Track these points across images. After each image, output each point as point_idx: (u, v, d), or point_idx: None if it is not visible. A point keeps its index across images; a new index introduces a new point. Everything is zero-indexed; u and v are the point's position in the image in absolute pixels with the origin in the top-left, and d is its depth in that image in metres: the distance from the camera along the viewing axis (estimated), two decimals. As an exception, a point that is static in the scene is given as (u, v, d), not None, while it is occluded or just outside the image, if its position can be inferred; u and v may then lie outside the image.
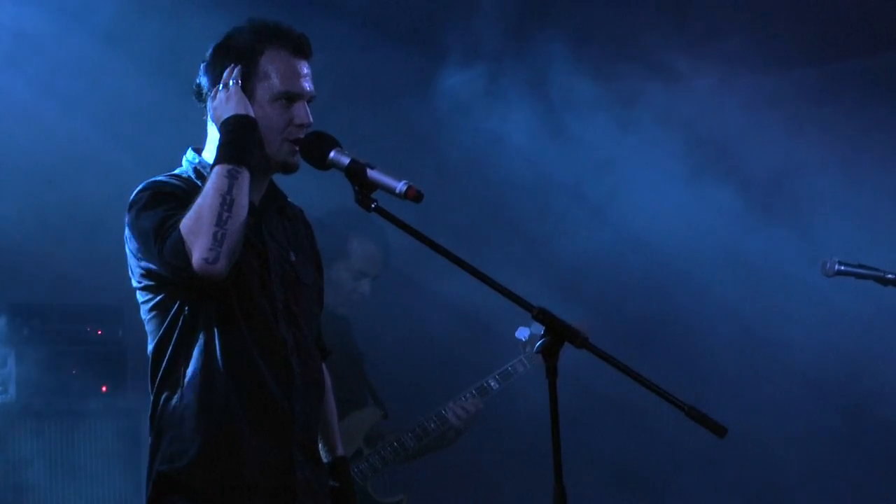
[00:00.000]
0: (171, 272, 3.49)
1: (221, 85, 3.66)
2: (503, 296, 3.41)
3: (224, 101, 3.64)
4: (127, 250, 3.66)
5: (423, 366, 6.79)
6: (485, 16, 6.33)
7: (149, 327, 3.68)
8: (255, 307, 3.63)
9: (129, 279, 3.70)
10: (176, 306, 3.61)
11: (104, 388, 6.01)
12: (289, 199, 3.88)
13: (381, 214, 3.54)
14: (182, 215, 3.48)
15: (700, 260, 6.61)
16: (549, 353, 3.29)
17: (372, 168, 3.55)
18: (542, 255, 6.79)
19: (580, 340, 3.31)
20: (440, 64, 6.45)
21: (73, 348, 6.00)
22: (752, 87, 6.71)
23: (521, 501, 5.13)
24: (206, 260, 3.42)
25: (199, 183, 3.60)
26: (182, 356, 3.61)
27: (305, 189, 4.05)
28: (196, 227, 3.44)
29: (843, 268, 4.55)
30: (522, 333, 5.70)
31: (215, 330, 3.59)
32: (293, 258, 3.79)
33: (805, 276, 5.89)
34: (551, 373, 3.29)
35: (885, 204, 6.42)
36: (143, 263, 3.59)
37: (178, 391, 3.61)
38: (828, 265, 4.59)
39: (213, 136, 3.70)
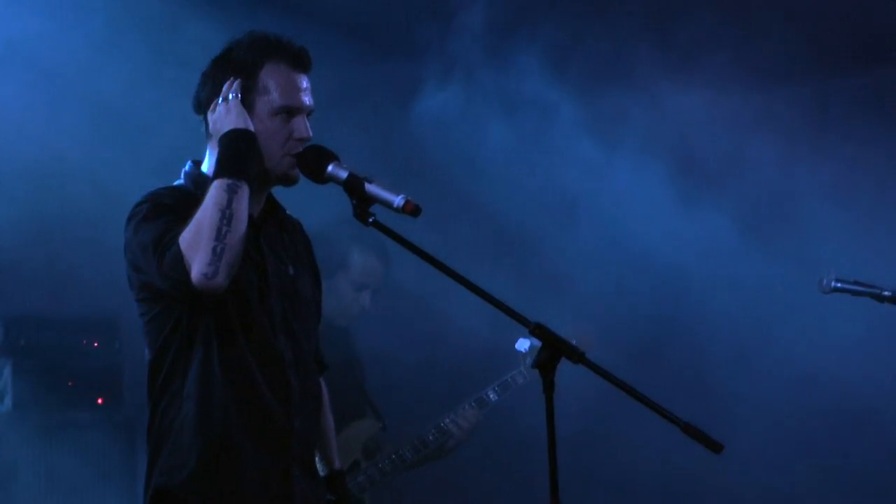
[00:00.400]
0: (170, 286, 3.51)
1: (221, 98, 3.68)
2: (500, 311, 3.43)
3: (224, 114, 3.66)
4: (126, 263, 3.67)
5: (422, 377, 6.81)
6: (462, 35, 6.34)
7: (147, 339, 3.70)
8: (254, 321, 3.66)
9: (126, 291, 3.72)
10: (174, 319, 3.63)
11: (100, 400, 6.02)
12: (287, 212, 3.90)
13: (379, 228, 3.56)
14: (181, 229, 3.49)
15: (695, 282, 6.64)
16: (546, 368, 3.32)
17: (370, 182, 3.58)
18: (536, 272, 6.82)
19: (577, 356, 3.34)
20: (420, 81, 6.47)
21: (69, 360, 6.01)
22: (741, 106, 6.73)
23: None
24: (205, 274, 3.44)
25: (197, 195, 3.61)
26: (180, 369, 3.64)
27: (306, 200, 4.07)
28: (195, 241, 3.46)
29: (839, 284, 4.58)
30: (522, 345, 5.72)
31: (214, 343, 3.61)
32: (291, 272, 3.81)
33: (800, 295, 5.92)
34: (548, 387, 3.32)
35: (879, 221, 6.44)
36: (142, 276, 3.61)
37: (177, 404, 3.63)
38: (824, 282, 4.61)
39: (212, 148, 3.72)
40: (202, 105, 3.76)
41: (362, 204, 3.58)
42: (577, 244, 6.77)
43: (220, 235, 3.46)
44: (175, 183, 3.80)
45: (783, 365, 6.66)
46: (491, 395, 6.11)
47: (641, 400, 3.34)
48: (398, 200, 3.52)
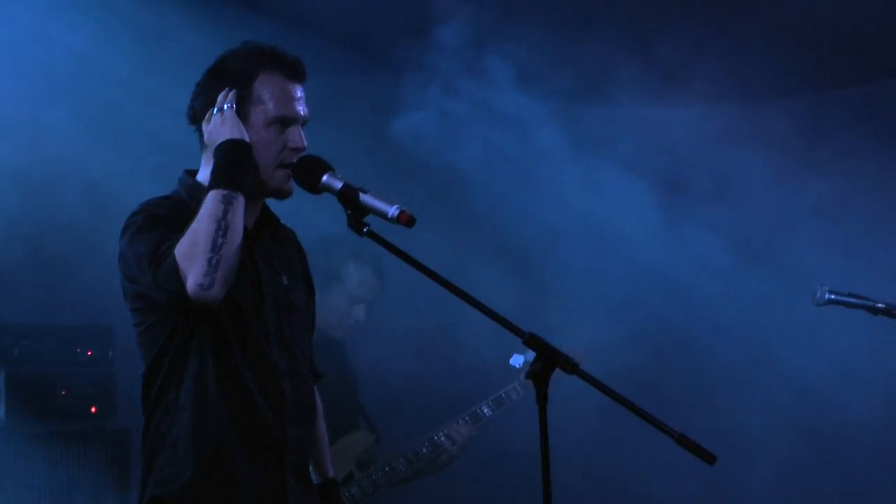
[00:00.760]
0: (166, 297, 3.53)
1: (216, 108, 3.70)
2: (494, 321, 3.45)
3: (219, 124, 3.68)
4: (120, 273, 3.68)
5: (417, 390, 6.82)
6: (444, 50, 6.37)
7: (142, 350, 3.72)
8: (249, 331, 3.68)
9: (121, 300, 3.73)
10: (169, 330, 3.65)
11: (93, 409, 6.02)
12: (281, 222, 3.92)
13: (373, 238, 3.58)
14: (176, 240, 3.51)
15: (690, 297, 6.66)
16: (540, 378, 3.33)
17: (365, 192, 3.60)
18: (528, 287, 6.85)
19: (571, 366, 3.35)
20: (402, 95, 6.50)
21: (62, 369, 6.00)
22: (731, 121, 6.76)
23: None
24: (200, 286, 3.45)
25: (192, 205, 3.62)
26: (175, 379, 3.65)
27: (302, 213, 4.09)
28: (191, 252, 3.47)
29: (833, 297, 4.59)
30: (517, 360, 5.74)
31: (209, 354, 3.63)
32: (285, 282, 3.83)
33: (795, 310, 5.96)
34: (541, 398, 3.33)
35: (872, 234, 6.46)
36: (137, 287, 3.62)
37: (172, 414, 3.65)
38: (818, 294, 4.62)
39: (207, 159, 3.73)
40: (196, 115, 3.77)
41: (357, 214, 3.59)
42: (567, 261, 6.80)
43: (215, 247, 3.48)
44: (170, 193, 3.80)
45: (781, 379, 6.69)
46: (485, 410, 6.13)
47: (636, 411, 3.36)
48: (392, 211, 3.54)
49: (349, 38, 6.73)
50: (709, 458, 3.33)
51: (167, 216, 3.63)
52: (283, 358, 3.74)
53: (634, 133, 6.69)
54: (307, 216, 4.23)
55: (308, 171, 3.68)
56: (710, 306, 6.69)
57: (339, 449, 5.95)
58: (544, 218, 6.80)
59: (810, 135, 6.63)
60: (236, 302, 3.63)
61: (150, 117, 6.04)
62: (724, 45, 6.44)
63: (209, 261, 3.46)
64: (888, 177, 6.52)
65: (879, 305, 4.53)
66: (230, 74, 3.73)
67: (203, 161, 3.78)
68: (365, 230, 3.59)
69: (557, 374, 3.35)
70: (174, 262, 3.47)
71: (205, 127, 3.73)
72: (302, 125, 3.77)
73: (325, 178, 3.65)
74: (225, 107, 3.69)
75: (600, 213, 6.67)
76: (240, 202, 3.56)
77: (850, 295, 4.59)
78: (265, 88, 3.72)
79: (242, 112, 3.70)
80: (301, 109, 3.76)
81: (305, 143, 3.74)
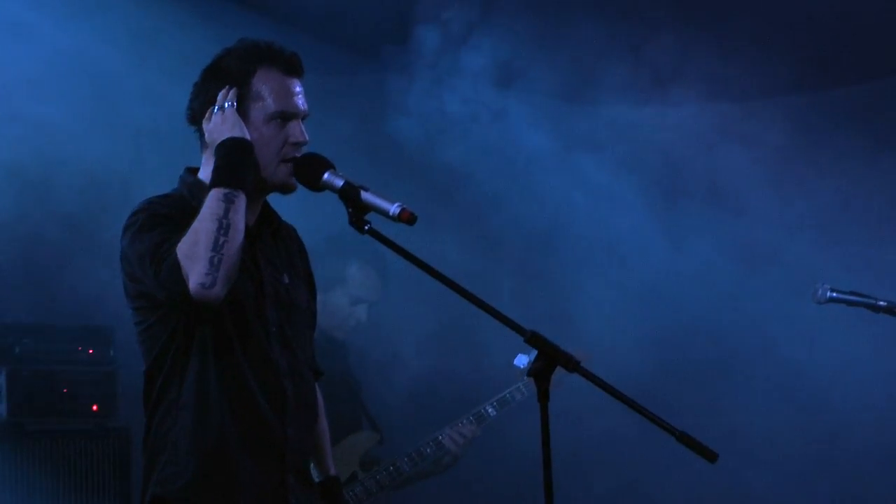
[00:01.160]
0: (168, 296, 3.55)
1: (217, 107, 3.71)
2: (496, 319, 3.47)
3: (220, 123, 3.69)
4: (122, 272, 3.70)
5: (421, 390, 6.84)
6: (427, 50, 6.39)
7: (143, 349, 3.73)
8: (250, 331, 3.69)
9: (122, 299, 3.74)
10: (171, 329, 3.66)
11: (95, 408, 6.04)
12: (282, 219, 3.94)
13: (375, 237, 3.60)
14: (178, 239, 3.52)
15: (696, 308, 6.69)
16: (541, 376, 3.36)
17: (366, 190, 3.62)
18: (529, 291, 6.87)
19: (572, 365, 3.37)
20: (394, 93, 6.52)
21: (64, 367, 6.02)
22: (726, 120, 6.77)
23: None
24: (202, 285, 3.47)
25: (193, 204, 3.64)
26: (176, 378, 3.67)
27: (304, 214, 4.11)
28: (193, 251, 3.49)
29: (834, 294, 4.61)
30: (521, 361, 5.72)
31: (210, 353, 3.65)
32: (286, 281, 3.84)
33: (794, 311, 5.98)
34: (543, 397, 3.35)
35: (871, 234, 6.48)
36: (139, 286, 3.64)
37: (173, 414, 3.67)
38: (819, 292, 4.64)
39: (208, 157, 3.75)
40: (196, 115, 3.79)
41: (358, 212, 3.61)
42: (564, 263, 6.83)
43: (217, 246, 3.49)
44: (171, 191, 3.82)
45: (780, 379, 6.71)
46: (489, 411, 6.15)
47: (638, 410, 3.37)
48: (394, 209, 3.56)
49: (339, 37, 6.74)
50: (710, 456, 3.34)
51: (168, 215, 3.64)
52: (285, 357, 3.76)
53: (628, 134, 6.70)
54: (308, 215, 4.24)
55: (309, 169, 3.70)
56: (709, 308, 6.70)
57: (343, 449, 5.97)
58: (538, 220, 6.82)
59: (807, 135, 6.63)
60: (238, 301, 3.65)
61: (150, 115, 6.07)
62: (719, 45, 6.44)
63: (211, 260, 3.48)
64: (885, 176, 6.52)
65: (881, 303, 4.54)
66: (228, 73, 3.75)
67: (204, 160, 3.80)
68: (366, 228, 3.61)
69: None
70: (176, 262, 3.49)
71: (205, 126, 3.74)
72: (302, 119, 3.78)
73: (326, 175, 3.67)
74: (226, 105, 3.70)
75: (596, 215, 6.68)
76: (241, 201, 3.58)
77: (851, 293, 4.60)
78: (264, 85, 3.74)
79: (242, 109, 3.72)
80: (301, 104, 3.78)
81: (307, 137, 3.76)
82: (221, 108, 3.71)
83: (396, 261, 3.59)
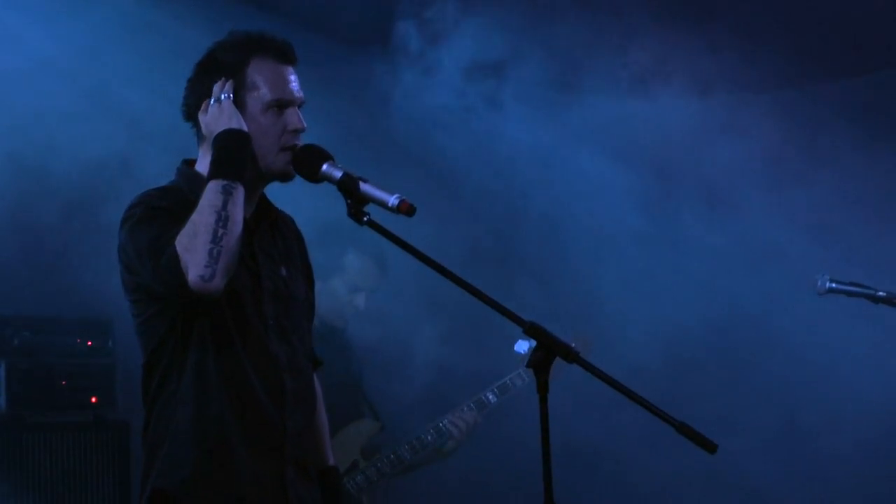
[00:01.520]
0: (167, 289, 3.56)
1: (213, 99, 3.72)
2: (495, 310, 3.49)
3: (217, 115, 3.70)
4: (120, 265, 3.71)
5: (421, 378, 6.85)
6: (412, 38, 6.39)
7: (142, 342, 3.75)
8: (248, 323, 3.70)
9: (120, 291, 3.75)
10: (169, 321, 3.67)
11: (94, 400, 6.06)
12: (280, 210, 3.95)
13: (374, 228, 3.61)
14: (176, 231, 3.53)
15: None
16: (540, 367, 3.37)
17: (364, 182, 3.63)
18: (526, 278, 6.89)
19: (571, 355, 3.38)
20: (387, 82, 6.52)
21: (63, 360, 6.04)
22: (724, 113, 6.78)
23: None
24: (201, 277, 3.48)
25: (191, 197, 3.64)
26: (175, 371, 3.68)
27: (302, 202, 4.12)
28: (191, 244, 3.49)
29: (834, 285, 4.62)
30: (521, 347, 5.74)
31: (209, 346, 3.66)
32: (284, 273, 3.85)
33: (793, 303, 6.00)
34: (542, 387, 3.36)
35: (868, 227, 6.49)
36: (137, 279, 3.65)
37: (172, 406, 3.68)
38: (819, 283, 4.65)
39: (205, 150, 3.76)
40: (191, 111, 3.80)
41: (357, 204, 3.62)
42: (561, 256, 6.85)
43: (216, 238, 3.50)
44: (168, 183, 3.83)
45: (778, 370, 6.75)
46: (490, 398, 6.17)
47: (637, 400, 3.38)
48: (393, 200, 3.57)
49: (328, 27, 6.74)
50: (710, 447, 3.35)
51: (166, 207, 3.65)
52: (283, 350, 3.77)
53: (620, 127, 6.71)
54: (306, 203, 4.26)
55: (308, 161, 3.71)
56: (705, 301, 6.72)
57: (344, 438, 5.99)
58: (534, 212, 6.84)
59: (801, 129, 6.65)
60: (237, 294, 3.66)
61: (147, 106, 6.07)
62: (710, 39, 6.44)
63: (210, 252, 3.49)
64: (881, 170, 6.53)
65: (880, 294, 4.56)
66: (222, 65, 3.75)
67: (201, 152, 3.81)
68: (365, 219, 3.62)
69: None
70: (175, 254, 3.49)
71: (201, 118, 3.75)
72: (298, 107, 3.79)
73: (324, 167, 3.68)
74: (222, 97, 3.71)
75: (589, 208, 6.70)
76: (239, 193, 3.59)
77: (851, 284, 4.62)
78: (258, 74, 3.75)
79: (238, 100, 3.72)
80: (297, 91, 3.79)
81: (304, 125, 3.77)
82: (218, 99, 3.71)
83: (398, 251, 3.60)
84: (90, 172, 6.06)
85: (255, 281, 3.75)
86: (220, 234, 3.51)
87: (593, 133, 6.64)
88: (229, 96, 3.71)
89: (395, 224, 3.62)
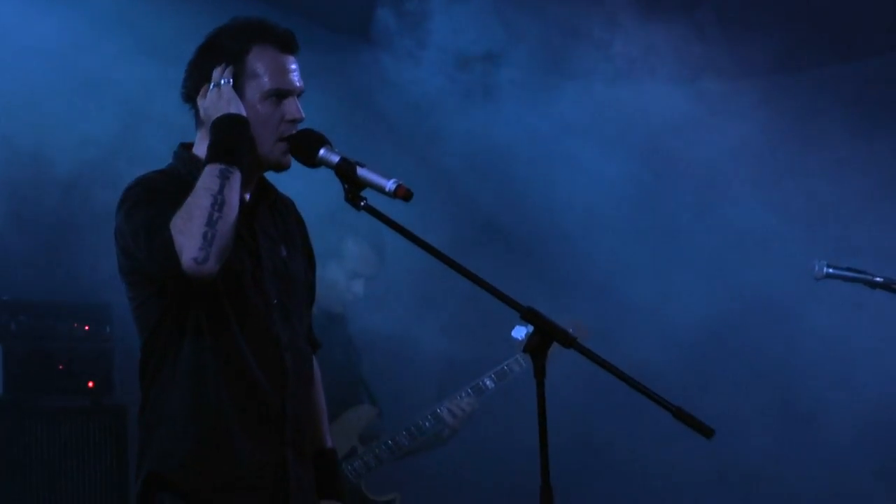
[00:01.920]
0: (161, 271, 3.56)
1: (213, 84, 3.74)
2: (492, 295, 3.49)
3: (216, 99, 3.71)
4: (116, 247, 3.72)
5: (419, 364, 6.87)
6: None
7: (138, 325, 3.76)
8: (248, 304, 3.72)
9: (117, 275, 3.77)
10: (165, 304, 3.68)
11: (91, 384, 6.07)
12: (279, 192, 3.96)
13: (371, 213, 3.63)
14: (172, 214, 3.54)
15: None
16: (537, 352, 3.38)
17: (362, 166, 3.64)
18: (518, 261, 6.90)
19: (569, 340, 3.40)
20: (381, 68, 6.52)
21: (60, 344, 6.05)
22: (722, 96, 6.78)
23: (514, 500, 5.22)
24: (195, 260, 3.48)
25: (188, 179, 3.65)
26: (172, 354, 3.69)
27: (301, 188, 4.13)
28: (186, 227, 3.50)
29: (831, 270, 4.63)
30: (518, 333, 5.75)
31: (205, 328, 3.67)
32: (284, 253, 3.87)
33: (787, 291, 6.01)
34: (539, 372, 3.37)
35: (862, 213, 6.50)
36: (133, 262, 3.66)
37: (169, 389, 3.69)
38: (816, 268, 4.66)
39: (203, 134, 3.77)
40: (190, 93, 3.81)
41: (354, 188, 3.64)
42: (553, 242, 6.87)
43: (211, 221, 3.51)
44: (166, 167, 3.84)
45: (771, 358, 6.78)
46: (487, 383, 6.19)
47: (634, 385, 3.39)
48: (390, 185, 3.59)
49: (320, 12, 6.74)
50: (707, 432, 3.36)
51: (163, 190, 3.66)
52: (285, 330, 3.78)
53: (616, 112, 6.71)
54: (305, 189, 4.27)
55: (305, 146, 3.72)
56: (700, 288, 6.74)
57: (342, 423, 6.01)
58: (527, 198, 6.85)
59: (793, 115, 6.66)
60: (235, 275, 3.68)
61: (144, 89, 6.08)
62: (699, 24, 6.45)
63: (204, 235, 3.49)
64: (874, 157, 6.54)
65: (878, 279, 4.56)
66: (223, 50, 3.76)
67: (199, 136, 3.82)
68: (362, 204, 3.64)
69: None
70: (170, 237, 3.50)
71: (200, 102, 3.77)
72: (297, 96, 3.80)
73: (321, 152, 3.69)
74: (222, 82, 3.73)
75: (583, 193, 6.71)
76: (236, 177, 3.60)
77: (848, 269, 4.62)
78: (259, 62, 3.76)
79: (237, 87, 3.73)
80: (296, 80, 3.79)
81: (303, 115, 3.78)
82: (217, 84, 3.73)
83: (397, 236, 3.62)
84: (87, 156, 6.06)
85: (255, 261, 3.77)
86: (215, 217, 3.52)
87: (583, 120, 6.65)
88: (229, 81, 3.73)
89: (393, 209, 3.63)
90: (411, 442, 6.12)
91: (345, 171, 3.64)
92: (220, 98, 3.71)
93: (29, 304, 6.07)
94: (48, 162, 6.07)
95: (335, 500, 3.98)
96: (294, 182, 3.96)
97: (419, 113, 6.49)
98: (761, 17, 6.52)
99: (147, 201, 3.63)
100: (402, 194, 3.57)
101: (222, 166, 3.60)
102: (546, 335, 3.40)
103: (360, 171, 3.63)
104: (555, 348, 3.41)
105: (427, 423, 6.13)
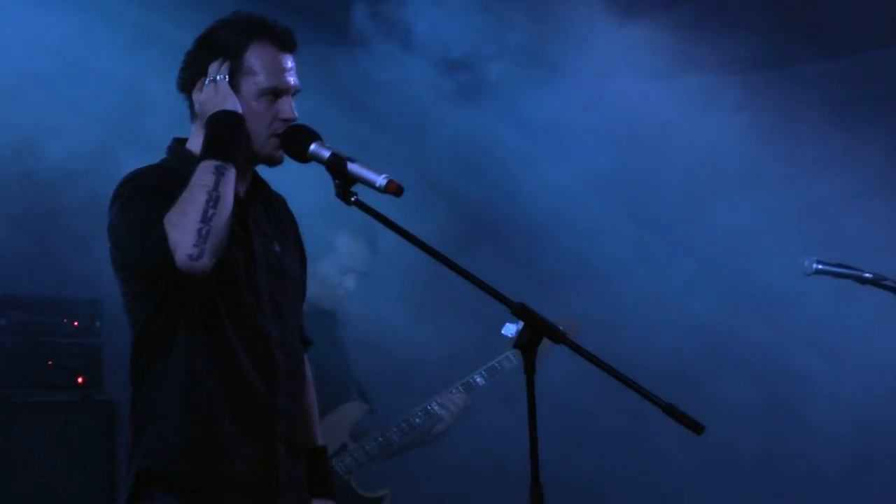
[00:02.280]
0: (155, 267, 3.57)
1: (209, 79, 3.75)
2: (483, 290, 3.51)
3: (212, 95, 3.73)
4: (109, 242, 3.73)
5: (409, 360, 6.87)
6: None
7: (130, 320, 3.77)
8: (240, 300, 3.73)
9: (107, 270, 3.77)
10: (157, 300, 3.68)
11: (80, 380, 6.07)
12: (272, 189, 3.97)
13: (361, 208, 3.64)
14: (166, 209, 3.55)
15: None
16: (528, 348, 3.41)
17: (353, 161, 3.65)
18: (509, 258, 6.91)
19: (559, 336, 3.41)
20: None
21: (49, 339, 6.05)
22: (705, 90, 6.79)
23: (505, 498, 5.23)
24: (189, 256, 3.49)
25: (183, 173, 3.66)
26: (163, 350, 3.70)
27: (293, 184, 4.14)
28: (180, 222, 3.51)
29: (820, 266, 4.64)
30: (509, 330, 5.76)
31: (198, 324, 3.68)
32: (277, 249, 3.88)
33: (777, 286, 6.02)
34: (529, 369, 3.40)
35: (848, 209, 6.52)
36: (126, 257, 3.67)
37: (160, 386, 3.70)
38: (806, 264, 4.66)
39: (198, 128, 3.79)
40: (186, 84, 3.82)
41: (345, 183, 3.65)
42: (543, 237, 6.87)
43: (205, 217, 3.52)
44: (159, 161, 3.85)
45: (762, 354, 6.80)
46: (478, 380, 6.19)
47: (623, 381, 3.40)
48: (381, 180, 3.60)
49: (303, 7, 6.74)
50: (697, 428, 3.37)
51: (157, 185, 3.67)
52: (276, 326, 3.80)
53: (603, 106, 6.72)
54: (297, 185, 4.27)
55: (296, 140, 3.74)
56: (691, 285, 6.75)
57: (333, 420, 6.01)
58: (515, 195, 6.85)
59: (780, 110, 6.67)
60: (229, 270, 3.69)
61: (137, 84, 6.08)
62: (690, 19, 6.45)
63: (199, 231, 3.50)
64: (861, 151, 6.56)
65: (867, 275, 4.57)
66: (221, 45, 3.78)
67: (193, 130, 3.84)
68: (353, 199, 3.65)
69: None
70: (163, 233, 3.50)
71: (196, 97, 3.79)
72: (293, 95, 3.81)
73: (312, 147, 3.71)
74: (218, 77, 3.74)
75: (571, 190, 6.72)
76: (231, 173, 3.61)
77: (837, 265, 4.63)
78: (257, 59, 3.77)
79: (233, 83, 3.75)
80: (292, 80, 3.81)
81: (296, 115, 3.79)
82: (214, 80, 3.74)
83: (388, 233, 3.62)
84: (77, 151, 6.05)
85: (248, 255, 3.78)
86: (209, 213, 3.53)
87: (570, 117, 6.65)
88: (225, 77, 3.74)
89: (383, 205, 3.64)
90: (402, 438, 6.12)
91: (335, 166, 3.65)
92: (215, 93, 3.73)
93: (18, 299, 6.06)
94: (38, 157, 6.05)
95: (327, 497, 4.01)
96: (285, 177, 3.97)
97: (406, 109, 6.49)
98: (743, 14, 6.52)
99: (140, 196, 3.64)
100: (393, 190, 3.58)
101: (217, 162, 3.60)
102: (536, 331, 3.41)
103: (351, 167, 3.65)
104: (545, 344, 3.42)
105: (418, 420, 6.13)
